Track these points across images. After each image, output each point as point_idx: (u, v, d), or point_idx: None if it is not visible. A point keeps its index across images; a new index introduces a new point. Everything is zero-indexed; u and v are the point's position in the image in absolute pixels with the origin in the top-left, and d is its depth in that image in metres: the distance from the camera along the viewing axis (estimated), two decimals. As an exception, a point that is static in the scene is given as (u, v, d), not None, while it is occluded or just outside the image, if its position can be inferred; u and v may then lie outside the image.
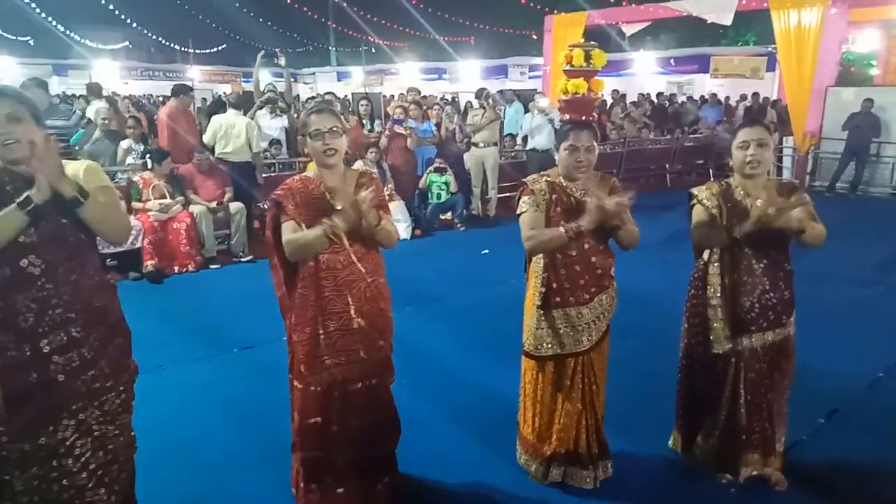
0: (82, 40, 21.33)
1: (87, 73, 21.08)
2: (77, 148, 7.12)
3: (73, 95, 12.98)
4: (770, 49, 15.39)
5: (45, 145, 1.99)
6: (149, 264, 6.13)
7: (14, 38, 19.95)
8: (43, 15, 17.57)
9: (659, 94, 16.27)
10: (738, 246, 2.70)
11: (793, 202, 2.48)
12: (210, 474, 3.02)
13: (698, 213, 2.76)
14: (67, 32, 20.02)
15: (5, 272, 1.97)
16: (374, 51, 25.88)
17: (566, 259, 2.69)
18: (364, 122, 8.93)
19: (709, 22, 13.34)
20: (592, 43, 6.91)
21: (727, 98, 15.53)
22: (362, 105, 9.26)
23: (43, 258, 2.01)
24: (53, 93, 13.59)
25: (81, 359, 2.08)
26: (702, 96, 16.36)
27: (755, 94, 14.93)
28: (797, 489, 2.85)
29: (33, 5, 16.74)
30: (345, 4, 20.72)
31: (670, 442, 3.12)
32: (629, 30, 15.52)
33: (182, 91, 7.54)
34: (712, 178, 2.95)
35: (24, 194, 1.93)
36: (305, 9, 20.79)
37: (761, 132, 2.66)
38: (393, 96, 15.87)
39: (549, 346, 2.74)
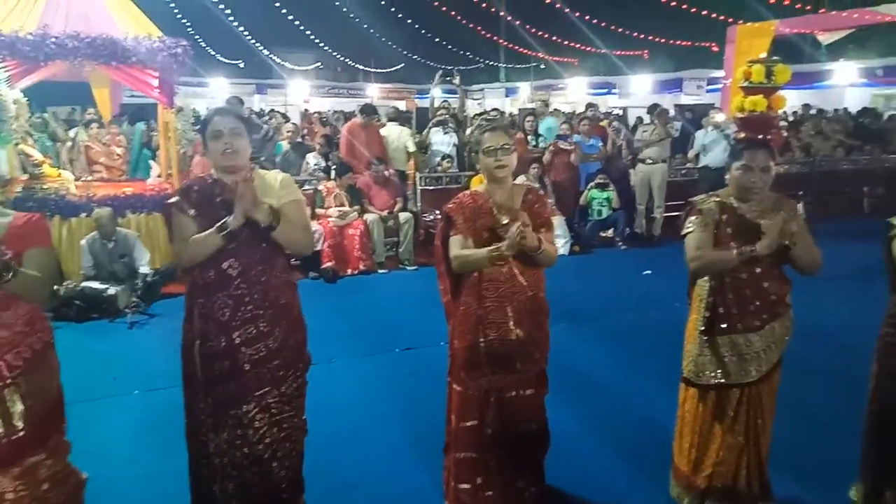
0: (282, 62, 23.86)
1: (284, 91, 23.55)
2: (263, 159, 7.93)
3: (268, 111, 14.83)
4: None
5: (243, 182, 2.25)
6: (326, 265, 6.72)
7: (228, 61, 22.86)
8: (253, 41, 19.95)
9: (863, 110, 14.52)
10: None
11: None
12: (368, 462, 3.24)
13: None
14: (270, 56, 22.53)
15: (210, 274, 2.33)
16: (542, 67, 25.94)
17: (735, 283, 2.56)
18: (529, 137, 9.04)
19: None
20: (775, 58, 6.36)
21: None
22: (528, 121, 9.37)
23: (240, 262, 2.34)
24: (255, 109, 15.55)
25: (267, 349, 2.38)
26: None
27: None
28: None
29: (246, 33, 19.07)
30: (517, 23, 21.05)
31: (852, 493, 2.81)
32: (826, 39, 14.06)
33: (367, 112, 8.03)
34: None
35: (222, 220, 2.26)
36: (479, 28, 21.44)
37: None
38: (558, 110, 15.81)
39: (713, 374, 2.61)
